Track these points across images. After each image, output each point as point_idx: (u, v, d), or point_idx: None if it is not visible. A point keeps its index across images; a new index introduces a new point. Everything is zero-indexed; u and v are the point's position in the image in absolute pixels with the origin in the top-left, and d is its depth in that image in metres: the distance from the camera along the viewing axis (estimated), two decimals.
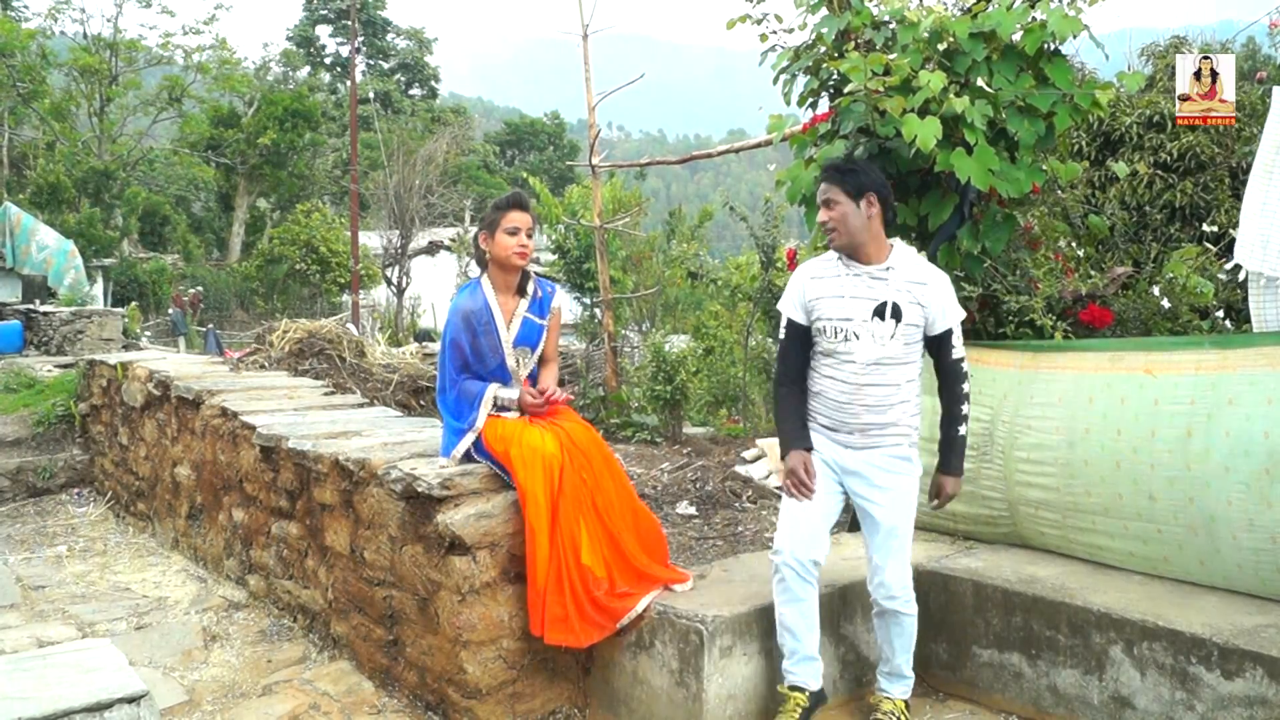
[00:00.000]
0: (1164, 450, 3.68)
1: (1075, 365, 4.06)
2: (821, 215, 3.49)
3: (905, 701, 3.58)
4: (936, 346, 3.52)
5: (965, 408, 3.55)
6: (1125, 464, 3.79)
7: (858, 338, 3.40)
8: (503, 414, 3.82)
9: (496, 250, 3.87)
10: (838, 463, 3.49)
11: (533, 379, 4.02)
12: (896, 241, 3.55)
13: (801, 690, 3.38)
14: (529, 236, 3.88)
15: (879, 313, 3.40)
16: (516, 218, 3.85)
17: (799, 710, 3.35)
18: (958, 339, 3.52)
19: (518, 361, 3.92)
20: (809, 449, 3.51)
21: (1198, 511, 3.60)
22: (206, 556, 5.69)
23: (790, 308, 3.55)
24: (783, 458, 3.57)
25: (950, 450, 3.58)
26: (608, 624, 3.56)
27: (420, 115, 43.36)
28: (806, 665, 3.40)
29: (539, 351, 3.98)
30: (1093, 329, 4.36)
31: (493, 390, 3.83)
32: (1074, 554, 4.05)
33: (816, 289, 3.49)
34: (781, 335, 3.61)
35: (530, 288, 3.98)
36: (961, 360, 3.52)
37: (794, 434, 3.53)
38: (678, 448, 8.02)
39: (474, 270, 4.09)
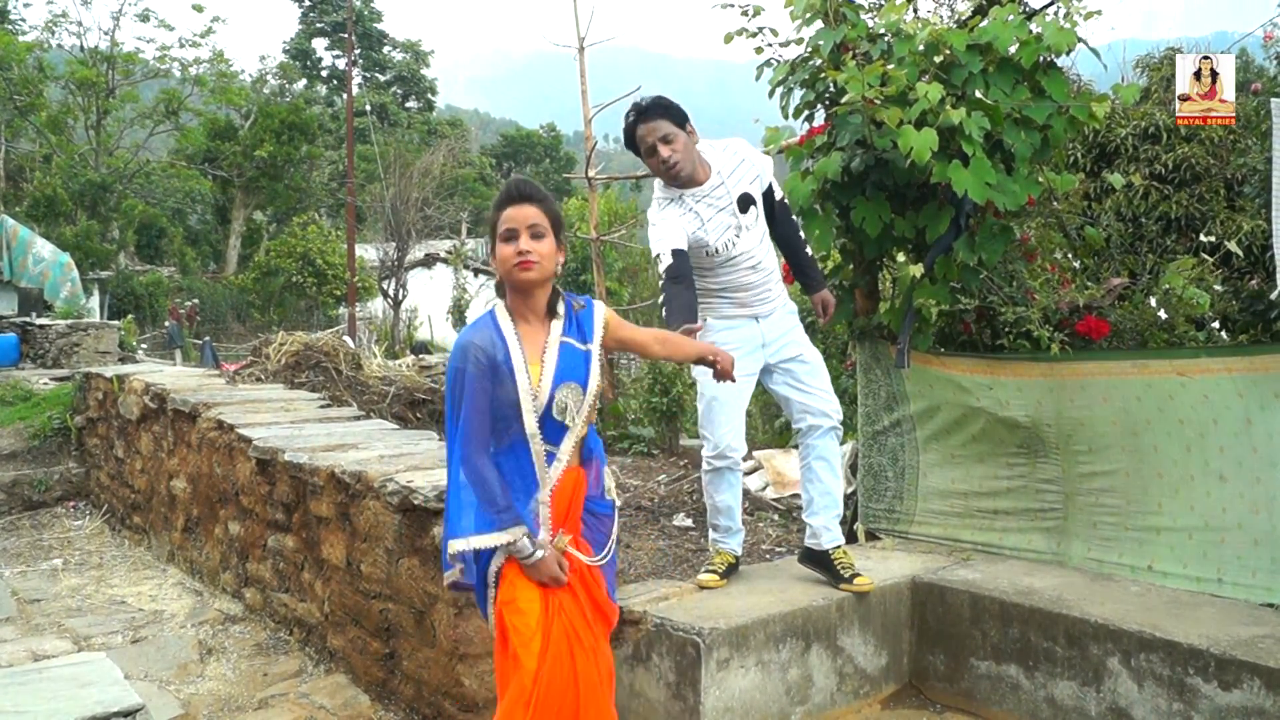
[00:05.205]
0: (1230, 434, 3.82)
1: (1103, 372, 4.16)
2: (664, 152, 3.69)
3: None
4: (768, 198, 3.94)
5: (804, 233, 4.17)
6: (1195, 448, 3.91)
7: (739, 236, 3.79)
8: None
9: (497, 265, 2.80)
10: (760, 339, 3.87)
11: (593, 449, 2.95)
12: (700, 144, 3.81)
13: (731, 553, 4.02)
14: (535, 237, 2.71)
15: (740, 208, 3.81)
16: (512, 215, 2.72)
17: (725, 565, 3.97)
18: (776, 182, 3.99)
19: (566, 408, 2.79)
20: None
21: (1262, 492, 3.72)
22: (203, 570, 5.67)
23: (673, 242, 3.65)
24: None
25: (812, 268, 4.14)
26: None
27: (417, 128, 43.41)
28: (736, 537, 4.03)
29: (593, 391, 2.86)
30: (1089, 340, 4.36)
31: (514, 536, 2.67)
32: (1123, 542, 4.11)
33: (692, 227, 3.75)
34: (669, 263, 3.60)
35: (560, 308, 2.87)
36: (784, 197, 4.05)
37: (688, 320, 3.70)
38: (674, 460, 8.02)
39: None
